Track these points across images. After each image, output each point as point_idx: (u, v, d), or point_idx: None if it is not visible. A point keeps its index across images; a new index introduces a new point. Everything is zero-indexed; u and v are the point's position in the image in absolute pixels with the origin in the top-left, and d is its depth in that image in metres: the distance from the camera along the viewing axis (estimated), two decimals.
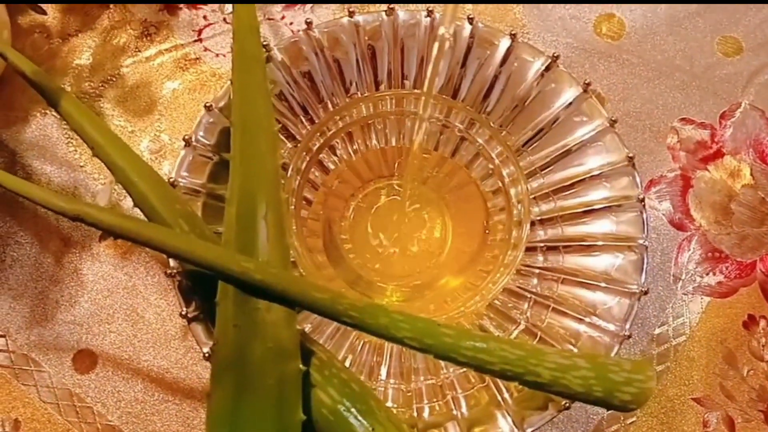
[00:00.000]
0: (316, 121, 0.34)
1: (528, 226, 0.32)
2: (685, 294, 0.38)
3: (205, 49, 0.43)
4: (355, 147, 0.36)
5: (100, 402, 0.36)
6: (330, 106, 0.35)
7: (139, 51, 0.43)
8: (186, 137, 0.32)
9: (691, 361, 0.37)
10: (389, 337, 0.28)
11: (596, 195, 0.33)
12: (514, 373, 0.28)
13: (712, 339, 0.37)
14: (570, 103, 0.34)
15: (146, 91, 0.42)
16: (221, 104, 0.33)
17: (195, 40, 0.43)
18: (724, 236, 0.39)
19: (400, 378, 0.32)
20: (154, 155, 0.40)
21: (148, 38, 0.43)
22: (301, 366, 0.27)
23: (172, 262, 0.31)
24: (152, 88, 0.42)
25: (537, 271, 0.33)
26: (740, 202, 0.39)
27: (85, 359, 0.37)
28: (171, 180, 0.32)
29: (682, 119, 0.41)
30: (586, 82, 0.33)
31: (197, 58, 0.43)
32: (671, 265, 0.39)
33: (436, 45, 0.30)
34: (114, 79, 0.42)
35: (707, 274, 0.38)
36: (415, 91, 0.35)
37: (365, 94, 0.35)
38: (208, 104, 0.33)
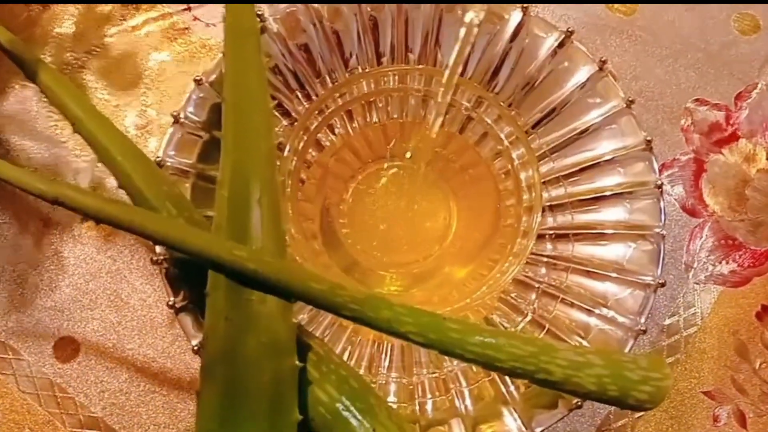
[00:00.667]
0: (314, 97, 0.32)
1: (539, 213, 0.30)
2: (696, 283, 0.36)
3: (195, 18, 0.40)
4: (354, 125, 0.34)
5: (82, 392, 0.35)
6: (328, 81, 0.33)
7: (124, 19, 0.40)
8: (174, 113, 0.30)
9: (702, 353, 0.35)
10: (392, 332, 0.26)
11: (610, 181, 0.31)
12: (525, 371, 0.26)
13: (724, 330, 0.36)
14: (584, 83, 0.32)
15: (132, 62, 0.40)
16: (212, 78, 0.31)
17: (184, 9, 0.40)
18: (737, 223, 0.37)
19: (402, 371, 0.30)
20: (140, 131, 0.38)
21: (134, 6, 0.40)
22: (297, 362, 0.26)
23: (158, 248, 0.29)
24: (138, 59, 0.40)
25: (545, 259, 0.32)
26: (755, 188, 0.38)
27: (67, 347, 0.35)
28: (158, 159, 0.30)
29: (696, 100, 0.39)
30: (602, 59, 0.31)
31: (186, 28, 0.40)
32: (683, 253, 0.37)
33: (462, 30, 0.28)
34: (97, 49, 0.40)
35: (720, 263, 0.37)
36: (420, 66, 0.32)
37: (366, 70, 0.32)
38: (197, 78, 0.31)
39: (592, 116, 0.31)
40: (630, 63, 0.40)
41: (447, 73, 0.29)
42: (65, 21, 0.40)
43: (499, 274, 0.30)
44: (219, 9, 0.41)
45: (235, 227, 0.27)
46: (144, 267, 0.37)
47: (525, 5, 0.32)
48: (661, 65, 0.40)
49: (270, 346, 0.26)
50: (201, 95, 0.31)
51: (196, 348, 0.28)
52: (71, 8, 0.40)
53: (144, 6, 0.40)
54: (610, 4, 0.41)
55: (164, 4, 0.40)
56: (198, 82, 0.31)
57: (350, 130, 0.34)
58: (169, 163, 0.30)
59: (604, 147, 0.31)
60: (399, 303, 0.26)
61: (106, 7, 0.40)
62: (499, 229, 0.31)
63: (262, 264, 0.26)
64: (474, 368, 0.30)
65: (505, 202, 0.32)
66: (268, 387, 0.25)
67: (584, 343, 0.30)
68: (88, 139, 0.29)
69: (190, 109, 0.31)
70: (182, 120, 0.30)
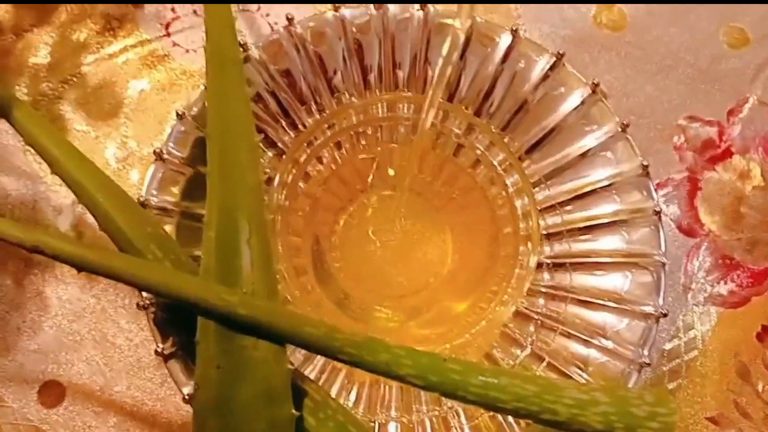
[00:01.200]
0: (300, 127, 0.31)
1: (538, 242, 0.29)
2: (695, 305, 0.36)
3: (174, 44, 0.39)
4: (343, 154, 0.33)
5: None
6: (314, 108, 0.32)
7: (102, 47, 0.39)
8: (156, 150, 0.29)
9: (704, 377, 0.35)
10: (390, 375, 0.25)
11: (607, 208, 0.31)
12: (529, 411, 0.25)
13: (725, 353, 0.35)
14: (578, 107, 0.31)
15: (110, 91, 0.38)
16: (194, 111, 0.30)
17: (163, 35, 0.39)
18: (734, 242, 0.37)
19: (402, 409, 0.29)
20: (120, 164, 0.37)
21: (111, 33, 0.39)
22: (293, 411, 0.25)
23: (144, 293, 0.27)
24: (117, 88, 0.38)
25: (544, 290, 0.31)
26: (750, 205, 0.37)
27: (52, 392, 0.34)
28: (141, 199, 0.29)
29: (689, 117, 0.39)
30: (595, 81, 0.31)
31: (166, 55, 0.39)
32: (680, 275, 0.36)
33: (447, 40, 0.27)
34: (74, 79, 0.38)
35: (718, 283, 0.36)
36: (408, 94, 0.31)
37: (353, 98, 0.31)
38: (180, 112, 0.30)
39: (587, 141, 0.31)
40: (620, 80, 0.39)
41: (432, 85, 0.28)
42: (40, 50, 0.39)
43: (499, 306, 0.29)
44: (199, 34, 0.40)
45: (224, 269, 0.26)
46: (130, 305, 0.35)
47: (514, 28, 0.31)
48: (651, 81, 0.39)
49: (264, 395, 0.25)
50: (183, 129, 0.30)
51: (187, 397, 0.26)
52: (46, 37, 0.39)
53: (121, 33, 0.39)
54: (598, 21, 0.40)
55: (142, 32, 0.39)
56: (180, 116, 0.30)
57: (339, 160, 0.33)
58: (152, 203, 0.29)
59: (599, 173, 0.31)
60: (397, 345, 0.25)
61: (81, 35, 0.39)
62: (497, 259, 0.31)
63: (254, 309, 0.25)
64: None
65: (502, 231, 0.31)
66: None
67: (584, 375, 0.29)
68: (67, 180, 0.28)
69: (172, 144, 0.30)
70: (165, 156, 0.29)
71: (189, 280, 0.25)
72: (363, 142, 0.32)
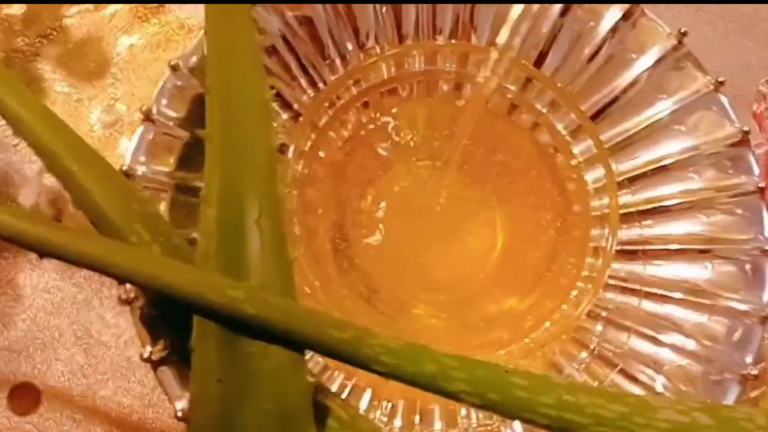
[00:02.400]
0: (320, 85, 0.26)
1: (617, 222, 0.24)
2: None
3: None
4: (371, 115, 0.27)
5: None
6: (338, 62, 0.26)
7: None
8: (145, 109, 0.24)
9: None
10: (439, 391, 0.20)
11: (693, 183, 0.25)
12: None
13: None
14: (656, 62, 0.25)
15: (96, 48, 0.33)
16: (192, 62, 0.24)
17: None
18: None
19: (446, 425, 0.24)
20: (107, 130, 0.32)
21: None
22: None
23: (128, 285, 0.22)
24: (104, 44, 0.33)
25: (612, 282, 0.25)
26: None
27: (25, 396, 0.30)
28: (125, 168, 0.23)
29: None
30: (682, 30, 0.25)
31: (160, 6, 0.34)
32: None
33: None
34: (55, 33, 0.33)
35: None
36: (453, 42, 0.26)
37: (386, 50, 0.26)
38: (173, 63, 0.24)
39: (669, 104, 0.25)
40: (693, 40, 0.34)
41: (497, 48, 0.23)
42: (15, 3, 0.34)
43: (566, 305, 0.24)
44: None
45: (227, 257, 0.21)
46: (116, 297, 0.30)
47: None
48: (728, 42, 0.34)
49: (278, 416, 0.20)
50: (178, 84, 0.24)
51: (180, 415, 0.21)
52: None
53: None
54: None
55: None
56: (174, 69, 0.24)
57: (366, 124, 0.27)
58: (139, 173, 0.24)
59: (683, 142, 0.25)
60: (446, 353, 0.20)
61: None
62: (562, 246, 0.25)
63: (265, 306, 0.20)
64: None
65: (570, 210, 0.25)
66: None
67: (659, 381, 0.24)
68: (34, 144, 0.22)
69: (165, 102, 0.24)
70: (155, 117, 0.24)
71: (183, 270, 0.20)
72: (395, 103, 0.27)
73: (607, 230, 0.24)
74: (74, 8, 0.34)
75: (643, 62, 0.26)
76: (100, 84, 0.33)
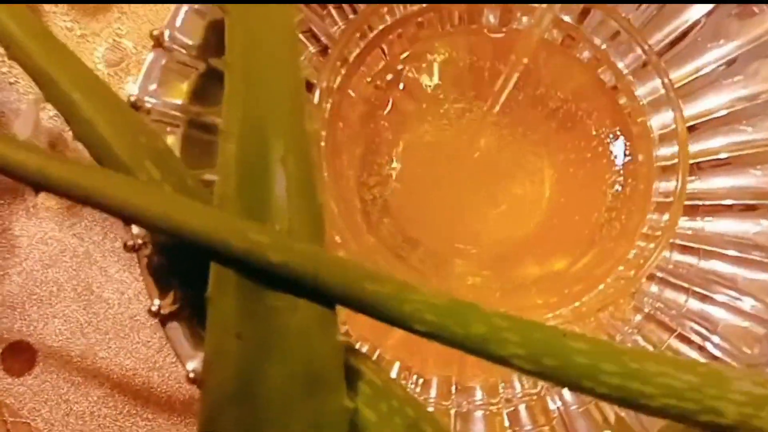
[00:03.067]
0: (351, 16, 0.23)
1: (686, 174, 0.21)
2: None
3: None
4: (408, 50, 0.24)
5: (39, 415, 0.27)
6: None
7: None
8: (155, 33, 0.21)
9: None
10: (489, 355, 0.18)
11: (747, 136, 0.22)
12: (683, 411, 0.18)
13: None
14: None
15: None
16: None
17: None
18: None
19: (486, 392, 0.22)
20: (112, 69, 0.29)
21: None
22: (347, 402, 0.17)
23: (135, 229, 0.20)
24: None
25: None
26: None
27: (19, 355, 0.28)
28: (133, 99, 0.21)
29: None
30: None
31: None
32: None
33: None
34: None
35: None
36: None
37: None
38: None
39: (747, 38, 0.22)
40: None
41: None
42: None
43: (623, 265, 0.21)
44: None
45: (248, 199, 0.18)
46: (122, 248, 0.28)
47: None
48: None
49: (305, 378, 0.17)
50: (194, 8, 0.21)
51: (192, 377, 0.19)
52: None
53: None
54: None
55: None
56: None
57: (402, 60, 0.24)
58: (149, 105, 0.21)
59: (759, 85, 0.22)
60: (497, 312, 0.17)
61: None
62: (621, 199, 0.22)
63: (292, 254, 0.17)
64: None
65: (633, 159, 0.23)
66: None
67: (718, 343, 0.22)
68: (30, 68, 0.20)
69: (179, 27, 0.21)
70: (167, 43, 0.21)
71: (199, 211, 0.17)
72: (433, 35, 0.24)
73: (674, 182, 0.21)
74: None
75: None
76: (105, 18, 0.30)
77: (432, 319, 0.17)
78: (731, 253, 0.23)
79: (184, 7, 0.22)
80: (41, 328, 0.27)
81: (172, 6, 0.22)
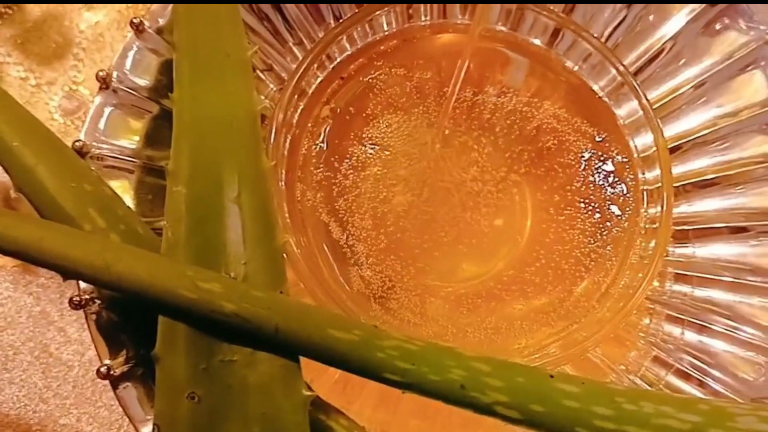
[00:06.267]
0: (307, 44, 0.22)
1: (671, 197, 0.20)
2: None
3: None
4: (370, 78, 0.23)
5: None
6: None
7: None
8: (102, 74, 0.20)
9: None
10: (470, 404, 0.16)
11: (755, 149, 0.21)
12: None
13: None
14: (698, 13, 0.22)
15: (56, 26, 0.29)
16: (161, 23, 0.20)
17: None
18: None
19: None
20: (69, 118, 0.28)
21: None
22: None
23: (82, 284, 0.18)
24: (65, 22, 0.29)
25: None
26: None
27: None
28: (79, 146, 0.19)
29: None
30: None
31: None
32: None
33: None
34: (9, 12, 0.29)
35: None
36: None
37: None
38: (136, 21, 0.20)
39: (717, 58, 0.21)
40: None
41: None
42: None
43: (613, 298, 0.20)
44: None
45: (200, 244, 0.17)
46: None
47: None
48: None
49: None
50: (144, 46, 0.20)
51: None
52: None
53: None
54: None
55: None
56: (138, 29, 0.20)
57: (364, 87, 0.23)
58: (97, 151, 0.19)
59: (739, 101, 0.21)
60: (477, 355, 0.16)
61: None
62: (603, 229, 0.21)
63: (249, 301, 0.16)
64: None
65: (615, 185, 0.21)
66: None
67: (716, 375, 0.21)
68: None
69: (128, 67, 0.20)
70: (115, 85, 0.20)
71: (145, 259, 0.16)
72: (399, 63, 0.22)
73: (659, 207, 0.20)
74: None
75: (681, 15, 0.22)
76: (61, 66, 0.29)
77: (406, 367, 0.16)
78: (726, 278, 0.22)
79: (134, 47, 0.20)
80: None
81: (121, 46, 0.21)
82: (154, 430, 0.15)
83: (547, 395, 0.16)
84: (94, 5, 0.30)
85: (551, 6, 0.21)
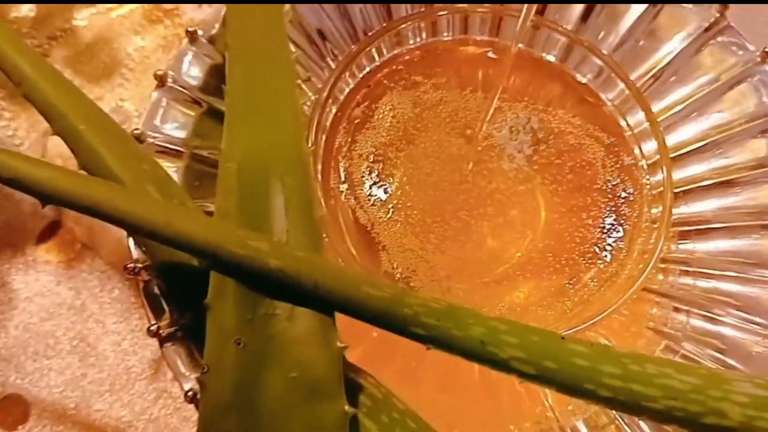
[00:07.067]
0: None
1: (671, 198, 0.22)
2: None
3: None
4: (399, 82, 0.25)
5: None
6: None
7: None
8: (159, 73, 0.22)
9: None
10: (488, 359, 0.17)
11: (745, 155, 0.23)
12: (687, 414, 0.18)
13: None
14: (696, 36, 0.24)
15: (106, 49, 0.32)
16: (213, 32, 0.23)
17: None
18: None
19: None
20: None
21: None
22: (347, 408, 0.17)
23: (135, 253, 0.20)
24: (114, 45, 0.32)
25: (661, 265, 0.23)
26: None
27: (13, 409, 0.27)
28: (137, 133, 0.21)
29: None
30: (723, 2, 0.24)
31: (174, 9, 0.33)
32: None
33: None
34: (64, 35, 0.32)
35: None
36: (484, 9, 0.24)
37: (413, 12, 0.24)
38: (191, 30, 0.23)
39: (711, 76, 0.24)
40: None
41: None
42: (24, 3, 0.32)
43: (605, 288, 0.22)
44: None
45: (248, 213, 0.19)
46: (118, 300, 0.28)
47: None
48: None
49: (305, 385, 0.17)
50: (196, 52, 0.23)
51: (190, 394, 0.19)
52: None
53: None
54: None
55: None
56: (192, 36, 0.23)
57: (394, 91, 0.25)
58: (151, 140, 0.22)
59: (731, 114, 0.24)
60: (495, 317, 0.18)
61: None
62: (610, 222, 0.23)
63: (292, 260, 0.17)
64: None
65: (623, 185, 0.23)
66: None
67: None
68: (39, 102, 0.21)
69: (182, 69, 0.22)
70: (170, 83, 0.22)
71: (201, 220, 0.18)
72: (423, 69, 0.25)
73: (661, 208, 0.22)
74: (85, 10, 0.33)
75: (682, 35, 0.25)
76: (109, 84, 0.31)
77: (431, 322, 0.17)
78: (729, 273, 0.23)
79: (188, 52, 0.23)
80: (36, 381, 0.27)
81: (175, 53, 0.24)
82: (204, 369, 0.17)
83: (559, 354, 0.17)
84: (142, 32, 0.32)
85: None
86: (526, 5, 0.22)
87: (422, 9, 0.24)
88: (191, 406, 0.26)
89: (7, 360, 0.27)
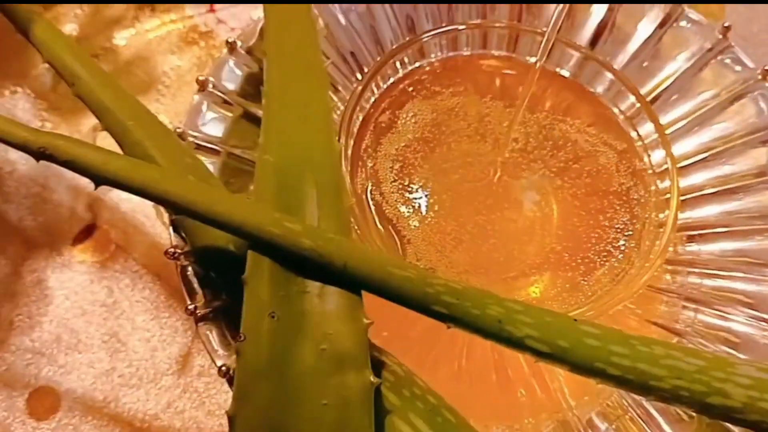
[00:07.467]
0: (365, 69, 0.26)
1: (676, 201, 0.23)
2: None
3: (219, 21, 0.35)
4: (422, 89, 0.27)
5: None
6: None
7: (138, 21, 0.35)
8: (201, 79, 0.24)
9: None
10: (504, 338, 0.19)
11: (746, 164, 0.25)
12: (692, 393, 0.19)
13: None
14: (700, 54, 0.26)
15: (144, 67, 0.34)
16: (251, 42, 0.25)
17: (207, 11, 0.35)
18: None
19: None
20: None
21: (150, 7, 0.35)
22: (372, 378, 0.18)
23: (174, 239, 0.21)
24: (151, 63, 0.34)
25: (669, 267, 0.24)
26: None
27: (44, 400, 0.28)
28: (179, 131, 0.23)
29: None
30: (725, 24, 0.25)
31: (209, 31, 0.35)
32: None
33: None
34: (104, 53, 0.34)
35: None
36: (502, 24, 0.26)
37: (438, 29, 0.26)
38: (231, 40, 0.24)
39: (714, 92, 0.25)
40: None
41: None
42: (68, 23, 0.35)
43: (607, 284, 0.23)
44: (246, 12, 0.35)
45: (284, 200, 0.20)
46: (148, 300, 0.29)
47: None
48: None
49: (333, 356, 0.18)
50: (235, 60, 0.24)
51: (224, 369, 0.20)
52: (77, 9, 0.35)
53: (161, 8, 0.35)
54: None
55: (185, 3, 0.35)
56: (231, 46, 0.24)
57: (417, 99, 0.27)
58: (191, 138, 0.23)
59: (733, 127, 0.25)
60: (511, 298, 0.19)
61: (116, 9, 0.35)
62: (621, 224, 0.24)
63: (324, 242, 0.19)
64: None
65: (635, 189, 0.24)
66: (331, 413, 0.18)
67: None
68: (91, 101, 0.22)
69: (222, 76, 0.24)
70: (210, 89, 0.24)
71: (241, 202, 0.19)
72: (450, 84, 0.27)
73: (667, 211, 0.23)
74: (125, 32, 0.35)
75: (688, 52, 0.26)
76: (145, 99, 0.33)
77: (451, 301, 0.18)
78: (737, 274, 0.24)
79: (228, 61, 0.25)
80: (67, 374, 0.28)
81: (213, 61, 0.26)
82: (241, 338, 0.18)
83: (571, 334, 0.18)
84: (178, 52, 0.35)
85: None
86: (552, 22, 0.24)
87: (444, 25, 0.26)
88: (216, 401, 0.27)
89: (40, 353, 0.28)
